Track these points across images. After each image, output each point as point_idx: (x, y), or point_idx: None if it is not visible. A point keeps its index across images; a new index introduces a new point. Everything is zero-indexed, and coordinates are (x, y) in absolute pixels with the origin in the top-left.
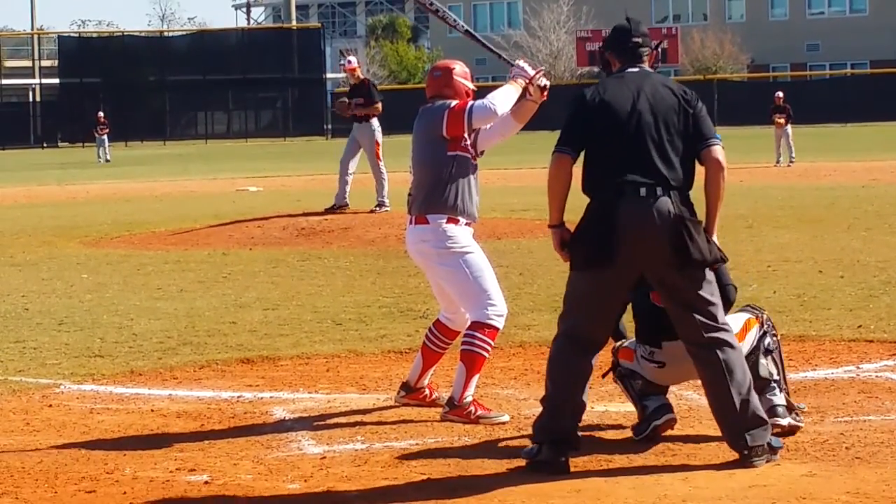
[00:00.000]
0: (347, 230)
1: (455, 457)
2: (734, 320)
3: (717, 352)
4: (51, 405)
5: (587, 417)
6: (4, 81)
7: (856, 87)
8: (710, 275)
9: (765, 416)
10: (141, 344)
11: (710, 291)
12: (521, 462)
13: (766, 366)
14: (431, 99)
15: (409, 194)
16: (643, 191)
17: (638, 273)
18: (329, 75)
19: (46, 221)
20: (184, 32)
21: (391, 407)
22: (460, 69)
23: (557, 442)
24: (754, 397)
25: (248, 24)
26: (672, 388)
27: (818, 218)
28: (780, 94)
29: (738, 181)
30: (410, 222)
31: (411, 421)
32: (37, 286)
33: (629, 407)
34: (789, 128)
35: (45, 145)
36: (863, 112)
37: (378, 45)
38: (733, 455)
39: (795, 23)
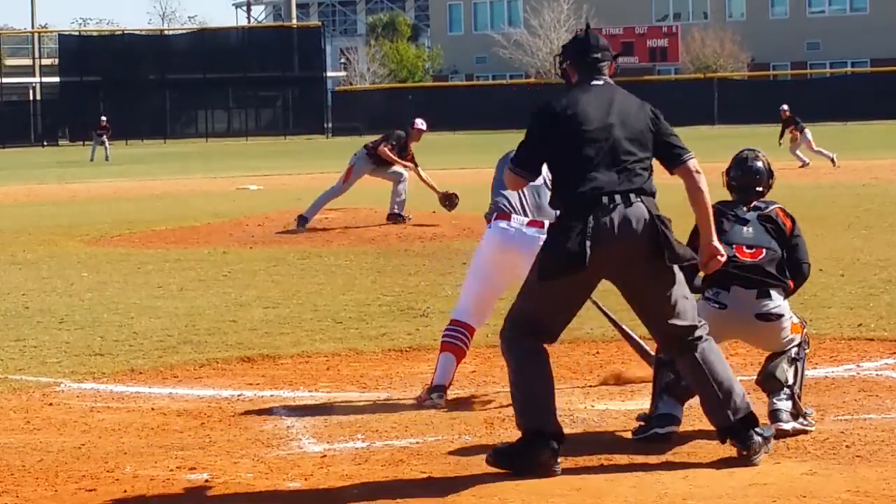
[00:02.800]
0: (347, 229)
1: (455, 455)
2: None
3: (695, 353)
4: (51, 403)
5: (587, 416)
6: (5, 80)
7: (856, 85)
8: (679, 276)
9: (749, 402)
10: (141, 342)
11: (683, 293)
12: None
13: (786, 371)
14: None
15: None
16: (618, 198)
17: (602, 278)
18: (329, 74)
19: (47, 220)
20: (184, 31)
21: (391, 405)
22: None
23: (551, 436)
24: (737, 385)
25: (249, 22)
26: None
27: (819, 216)
28: (786, 107)
29: None
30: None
31: (411, 419)
32: (37, 284)
33: (629, 406)
34: (808, 132)
35: (45, 144)
36: (863, 111)
37: (378, 43)
38: (733, 453)
39: (796, 21)
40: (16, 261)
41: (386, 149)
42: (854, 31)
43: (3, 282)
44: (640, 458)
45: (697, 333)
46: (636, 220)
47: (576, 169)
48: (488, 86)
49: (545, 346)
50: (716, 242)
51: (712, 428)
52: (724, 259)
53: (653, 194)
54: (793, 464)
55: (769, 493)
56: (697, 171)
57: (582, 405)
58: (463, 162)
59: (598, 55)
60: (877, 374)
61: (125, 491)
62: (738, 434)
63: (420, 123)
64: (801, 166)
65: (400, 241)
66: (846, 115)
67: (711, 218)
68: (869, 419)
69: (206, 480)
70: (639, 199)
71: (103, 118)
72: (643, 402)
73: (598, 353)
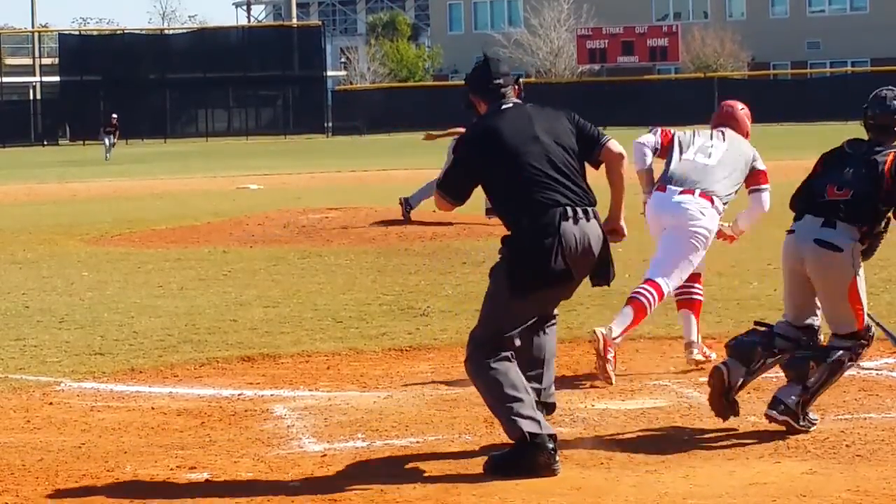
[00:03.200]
0: (347, 228)
1: (456, 454)
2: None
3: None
4: (51, 403)
5: (587, 416)
6: (5, 79)
7: (857, 85)
8: None
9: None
10: (141, 342)
11: None
12: None
13: (816, 369)
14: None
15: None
16: (580, 212)
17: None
18: (329, 73)
19: (47, 219)
20: (184, 30)
21: (392, 405)
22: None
23: (544, 438)
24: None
25: (249, 21)
26: (672, 387)
27: None
28: None
29: None
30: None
31: (412, 419)
32: (37, 284)
33: (629, 405)
34: None
35: (45, 143)
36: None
37: (378, 43)
38: (734, 453)
39: (796, 21)
40: (16, 260)
41: None
42: (854, 31)
43: (3, 281)
44: (640, 458)
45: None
46: (595, 237)
47: (525, 184)
48: None
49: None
50: (622, 222)
51: (712, 427)
52: (624, 238)
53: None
54: (793, 463)
55: (769, 492)
56: (622, 154)
57: (582, 405)
58: None
59: (500, 80)
60: (877, 374)
61: (125, 490)
62: None
63: None
64: None
65: (400, 241)
66: (846, 114)
67: (623, 198)
68: (869, 418)
69: (207, 480)
70: (593, 216)
71: (114, 116)
72: (643, 402)
73: None
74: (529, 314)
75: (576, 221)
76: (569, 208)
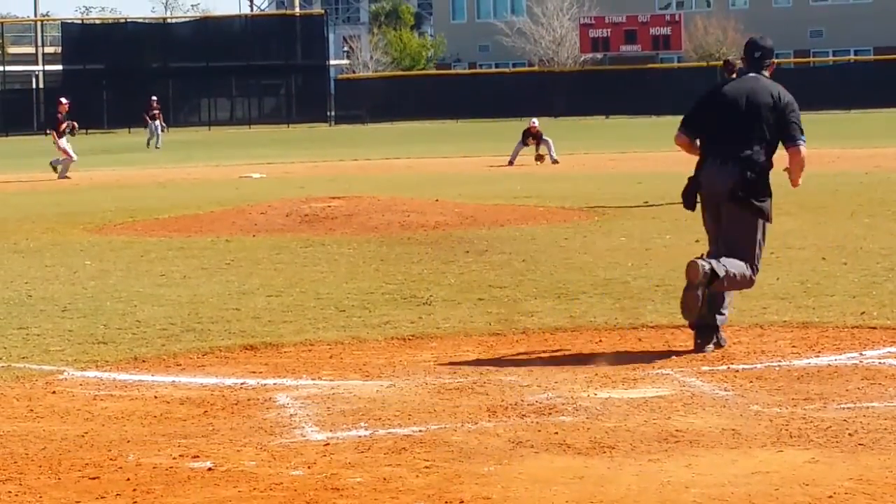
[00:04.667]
0: (350, 217)
1: (458, 443)
2: None
3: None
4: (54, 392)
5: (590, 404)
6: (8, 68)
7: (859, 74)
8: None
9: None
10: (144, 331)
11: None
12: (525, 448)
13: None
14: None
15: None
16: None
17: None
18: (332, 62)
19: (50, 208)
20: (187, 19)
21: (394, 393)
22: None
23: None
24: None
25: (252, 10)
26: (675, 376)
27: (821, 205)
28: None
29: None
30: None
31: (415, 408)
32: (40, 273)
33: (632, 394)
34: None
35: (48, 132)
36: (866, 99)
37: (381, 31)
38: (737, 442)
39: (799, 10)
40: (19, 249)
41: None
42: (857, 20)
43: (6, 270)
44: (642, 447)
45: None
46: None
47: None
48: (491, 74)
49: None
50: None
51: (714, 416)
52: None
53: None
54: (795, 452)
55: (772, 480)
56: (799, 153)
57: (584, 393)
58: (465, 150)
59: (758, 53)
60: (879, 363)
61: (128, 479)
62: None
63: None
64: None
65: (403, 230)
66: (849, 103)
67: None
68: (872, 407)
69: (210, 468)
70: None
71: (154, 98)
72: (645, 391)
73: (600, 341)
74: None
75: None
76: None
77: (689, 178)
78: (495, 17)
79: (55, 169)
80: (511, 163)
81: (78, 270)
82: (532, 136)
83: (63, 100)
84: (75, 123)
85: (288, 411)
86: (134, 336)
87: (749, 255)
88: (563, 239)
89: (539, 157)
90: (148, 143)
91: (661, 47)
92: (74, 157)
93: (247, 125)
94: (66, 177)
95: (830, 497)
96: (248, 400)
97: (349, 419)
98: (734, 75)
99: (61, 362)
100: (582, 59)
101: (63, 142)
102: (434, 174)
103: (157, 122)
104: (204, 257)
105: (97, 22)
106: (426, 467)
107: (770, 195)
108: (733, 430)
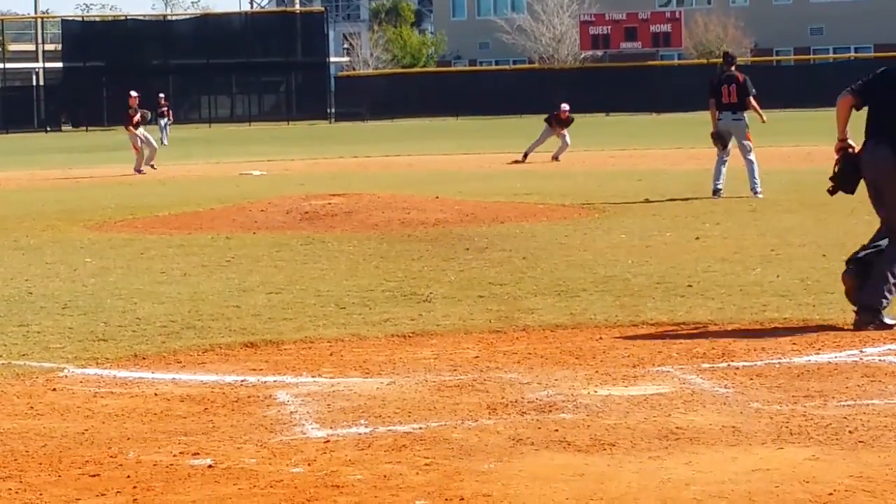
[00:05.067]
0: (350, 214)
1: (458, 440)
2: None
3: None
4: (54, 389)
5: (590, 402)
6: (8, 65)
7: (860, 71)
8: None
9: None
10: (144, 328)
11: None
12: (525, 446)
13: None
14: None
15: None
16: None
17: None
18: (332, 59)
19: (50, 205)
20: (187, 16)
21: (395, 391)
22: None
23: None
24: None
25: (252, 7)
26: (675, 373)
27: (821, 202)
28: None
29: (740, 165)
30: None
31: (415, 405)
32: (40, 270)
33: (632, 391)
34: None
35: (48, 129)
36: None
37: (381, 29)
38: (737, 439)
39: (799, 6)
40: (19, 246)
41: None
42: (857, 17)
43: (6, 267)
44: (642, 444)
45: None
46: None
47: None
48: (491, 71)
49: None
50: None
51: (715, 413)
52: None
53: None
54: (796, 449)
55: (772, 478)
56: None
57: (585, 390)
58: (465, 147)
59: None
60: (880, 360)
61: (128, 476)
62: None
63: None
64: None
65: (403, 227)
66: None
67: None
68: (872, 405)
69: (210, 466)
70: None
71: (161, 95)
72: (646, 388)
73: (600, 338)
74: None
75: None
76: None
77: (843, 161)
78: (495, 14)
79: (150, 165)
80: (526, 155)
81: (78, 268)
82: (560, 123)
83: (133, 93)
84: (147, 112)
85: (288, 408)
86: (134, 333)
87: None
88: (563, 236)
89: (555, 158)
90: (163, 141)
91: (662, 44)
92: (156, 145)
93: (247, 122)
94: (151, 166)
95: (830, 494)
96: (249, 397)
97: (349, 416)
98: (733, 67)
99: (61, 359)
100: (582, 56)
101: (141, 131)
102: (434, 171)
103: (165, 120)
104: (204, 254)
105: (97, 19)
106: (426, 464)
107: None
108: (733, 427)
